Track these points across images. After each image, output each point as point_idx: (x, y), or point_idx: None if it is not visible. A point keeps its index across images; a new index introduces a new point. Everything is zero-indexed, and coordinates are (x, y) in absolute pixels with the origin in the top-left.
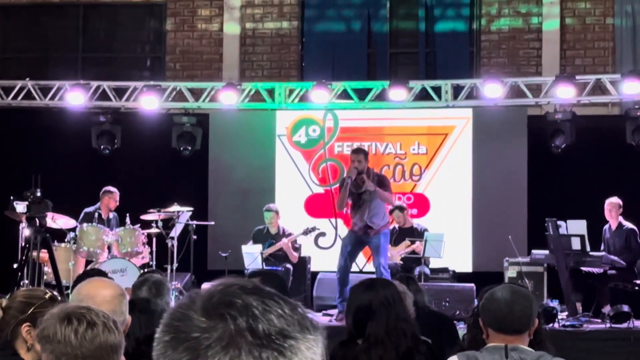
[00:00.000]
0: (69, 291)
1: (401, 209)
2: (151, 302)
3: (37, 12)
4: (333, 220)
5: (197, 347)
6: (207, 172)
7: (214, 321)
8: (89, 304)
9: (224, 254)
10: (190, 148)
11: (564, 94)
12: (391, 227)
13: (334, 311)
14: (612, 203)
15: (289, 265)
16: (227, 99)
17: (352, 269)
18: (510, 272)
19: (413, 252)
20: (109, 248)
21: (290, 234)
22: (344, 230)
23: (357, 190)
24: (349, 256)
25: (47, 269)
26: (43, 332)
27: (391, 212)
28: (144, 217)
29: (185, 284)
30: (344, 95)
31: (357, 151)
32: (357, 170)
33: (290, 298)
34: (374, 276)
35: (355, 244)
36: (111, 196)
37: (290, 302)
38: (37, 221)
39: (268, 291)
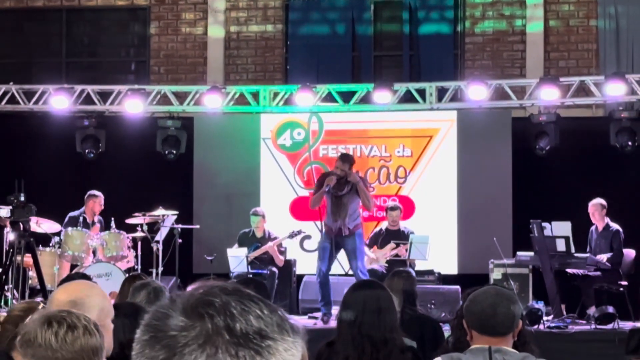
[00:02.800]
0: None
1: (401, 209)
2: (140, 306)
3: (20, 17)
4: (318, 223)
5: (174, 346)
6: (192, 176)
7: (192, 320)
8: (47, 307)
9: (209, 258)
10: (175, 152)
11: (548, 96)
12: (378, 228)
13: (320, 314)
14: (595, 205)
15: (274, 269)
16: (212, 102)
17: (338, 272)
18: (496, 274)
19: (398, 254)
20: (94, 252)
21: (275, 238)
22: None
23: (338, 192)
24: (328, 260)
25: (32, 273)
26: (24, 337)
27: (392, 209)
28: (129, 221)
29: (171, 288)
30: (329, 98)
31: (345, 159)
32: (337, 177)
33: (275, 301)
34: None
35: (332, 247)
36: (96, 200)
37: (270, 304)
38: (21, 226)
39: (248, 293)
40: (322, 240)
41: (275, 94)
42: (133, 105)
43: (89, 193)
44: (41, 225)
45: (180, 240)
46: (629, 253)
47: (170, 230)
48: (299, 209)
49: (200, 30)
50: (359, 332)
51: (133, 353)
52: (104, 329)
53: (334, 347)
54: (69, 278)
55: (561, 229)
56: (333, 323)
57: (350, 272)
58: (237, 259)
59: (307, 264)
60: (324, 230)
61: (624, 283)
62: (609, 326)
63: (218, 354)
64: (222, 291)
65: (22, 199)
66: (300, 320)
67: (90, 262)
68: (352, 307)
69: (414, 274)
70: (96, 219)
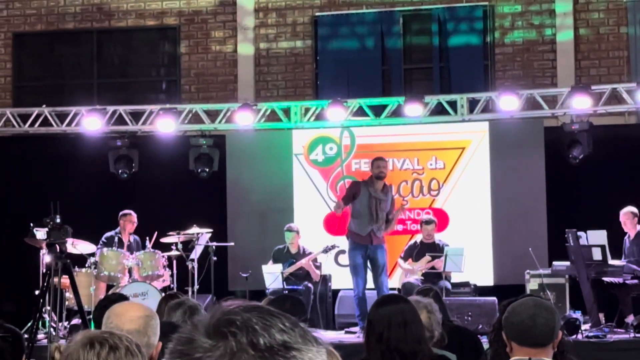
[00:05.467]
0: (91, 316)
1: (436, 223)
2: (178, 325)
3: (51, 39)
4: None
5: None
6: (225, 193)
7: (216, 340)
8: (115, 322)
9: (244, 275)
10: (207, 170)
11: (580, 105)
12: (412, 241)
13: (357, 328)
14: (626, 213)
15: (310, 284)
16: (243, 119)
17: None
18: (532, 285)
19: (434, 267)
20: (130, 272)
21: (310, 253)
22: None
23: (382, 197)
24: (361, 275)
25: (69, 294)
26: (67, 358)
27: (427, 223)
28: (164, 239)
29: (207, 306)
30: (360, 112)
31: (382, 158)
32: (382, 178)
33: (311, 317)
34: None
35: (363, 262)
36: (126, 219)
37: (291, 318)
38: (58, 247)
39: (268, 309)
40: (353, 255)
41: (307, 110)
42: (165, 125)
43: (121, 213)
44: (77, 246)
45: (215, 258)
46: None
47: (205, 248)
48: (333, 224)
49: (230, 48)
50: (387, 347)
51: None
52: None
53: None
54: (107, 298)
55: (597, 237)
56: (343, 337)
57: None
58: (273, 275)
59: (342, 279)
60: (351, 240)
61: None
62: None
63: None
64: (242, 309)
65: (58, 220)
66: (337, 336)
67: (126, 282)
68: (377, 324)
69: (447, 284)
70: (131, 238)
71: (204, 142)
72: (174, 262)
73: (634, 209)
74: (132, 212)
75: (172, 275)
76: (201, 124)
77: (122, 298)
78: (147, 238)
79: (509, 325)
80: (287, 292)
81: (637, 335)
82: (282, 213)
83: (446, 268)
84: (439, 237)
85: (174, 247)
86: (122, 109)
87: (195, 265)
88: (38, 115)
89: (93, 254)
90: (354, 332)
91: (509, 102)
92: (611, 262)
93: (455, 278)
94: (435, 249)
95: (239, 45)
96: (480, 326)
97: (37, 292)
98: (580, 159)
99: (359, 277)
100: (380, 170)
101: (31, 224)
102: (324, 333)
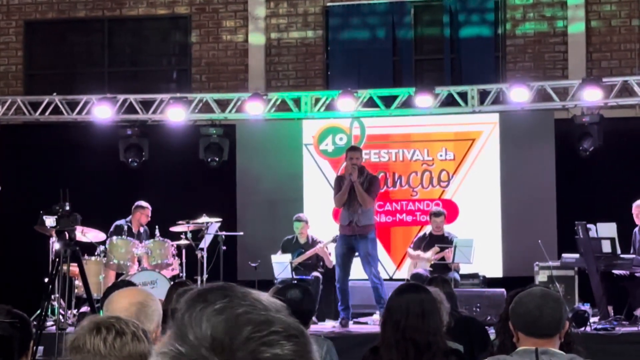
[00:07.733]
0: (100, 304)
1: (445, 215)
2: None
3: (62, 27)
4: None
5: None
6: (235, 183)
7: None
8: (110, 310)
9: (253, 264)
10: (217, 159)
11: (591, 97)
12: (421, 233)
13: (366, 318)
14: (639, 205)
15: (318, 274)
16: (254, 109)
17: (383, 277)
18: (541, 277)
19: (443, 258)
20: (139, 260)
21: (319, 242)
22: None
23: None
24: (343, 266)
25: (78, 282)
26: (73, 342)
27: (436, 215)
28: (173, 229)
29: None
30: (370, 103)
31: (355, 149)
32: (356, 167)
33: (319, 307)
34: (403, 282)
35: (346, 252)
36: (143, 211)
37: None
38: (67, 235)
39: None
40: (337, 246)
41: (317, 100)
42: (175, 114)
43: (136, 204)
44: (86, 234)
45: (224, 247)
46: None
47: (214, 238)
48: None
49: (241, 37)
50: (402, 336)
51: None
52: (157, 332)
53: (378, 351)
54: (114, 286)
55: (606, 230)
56: (352, 327)
57: (395, 277)
58: (282, 265)
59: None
60: (339, 234)
61: None
62: None
63: None
64: (236, 341)
65: (67, 208)
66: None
67: (136, 271)
68: (396, 311)
69: (456, 275)
70: (141, 227)
71: (214, 132)
72: (184, 251)
73: None
74: (148, 205)
75: (181, 264)
76: (211, 113)
77: (130, 285)
78: (157, 227)
79: (515, 316)
80: (295, 282)
81: None
82: (292, 203)
83: (455, 259)
84: (448, 230)
85: (183, 236)
86: (132, 97)
87: (205, 254)
88: (49, 104)
89: (103, 242)
90: (363, 323)
91: (519, 94)
92: (621, 254)
93: (464, 269)
94: (444, 241)
95: (250, 35)
96: (489, 317)
97: (46, 280)
98: (591, 151)
99: (338, 268)
100: (353, 161)
101: (41, 212)
102: (333, 323)
